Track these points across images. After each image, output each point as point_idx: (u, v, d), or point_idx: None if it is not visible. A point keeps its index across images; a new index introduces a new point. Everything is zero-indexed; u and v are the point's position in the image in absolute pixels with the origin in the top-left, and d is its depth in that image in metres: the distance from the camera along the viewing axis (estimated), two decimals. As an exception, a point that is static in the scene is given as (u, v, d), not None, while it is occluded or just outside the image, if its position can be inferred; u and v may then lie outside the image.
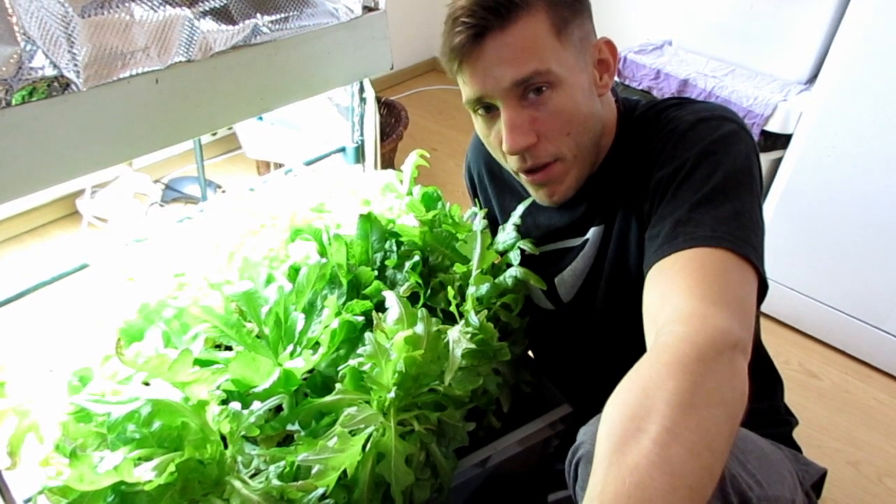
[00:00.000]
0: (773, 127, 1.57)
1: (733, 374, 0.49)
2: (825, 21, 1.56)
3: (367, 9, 1.01)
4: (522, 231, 0.87)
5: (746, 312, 0.55)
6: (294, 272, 0.84)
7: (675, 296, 0.56)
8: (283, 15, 0.88)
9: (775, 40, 1.66)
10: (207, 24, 0.80)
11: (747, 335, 0.53)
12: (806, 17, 1.58)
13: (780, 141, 1.58)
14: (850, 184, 1.40)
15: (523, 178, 0.76)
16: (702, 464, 0.43)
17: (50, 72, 0.68)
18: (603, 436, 0.47)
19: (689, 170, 0.65)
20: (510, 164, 0.74)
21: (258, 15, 0.86)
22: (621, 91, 1.86)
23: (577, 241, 0.82)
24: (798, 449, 0.84)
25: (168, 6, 0.76)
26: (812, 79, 1.62)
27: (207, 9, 0.80)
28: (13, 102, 0.67)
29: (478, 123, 0.75)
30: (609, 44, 0.73)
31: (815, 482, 0.79)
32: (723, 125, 0.67)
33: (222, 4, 0.81)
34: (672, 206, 0.65)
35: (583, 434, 0.64)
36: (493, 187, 0.93)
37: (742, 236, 0.60)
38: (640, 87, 1.82)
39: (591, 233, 0.80)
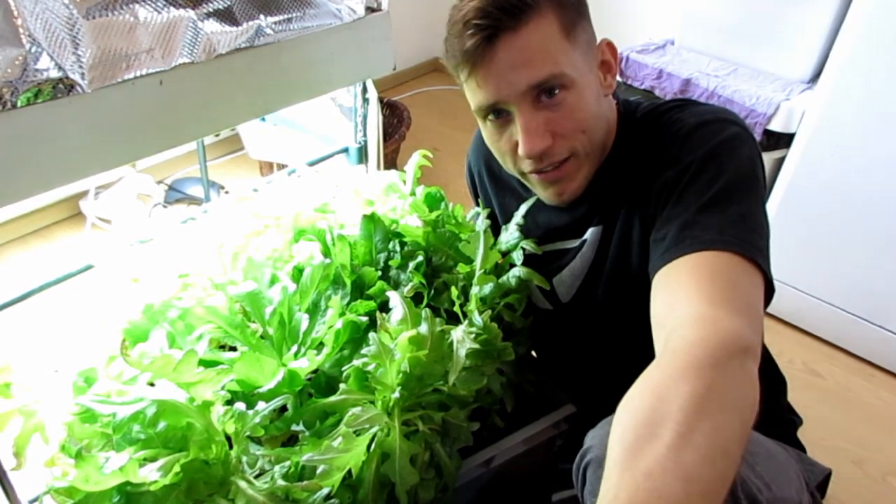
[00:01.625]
0: (776, 126, 1.57)
1: (745, 379, 0.49)
2: (828, 19, 1.55)
3: (369, 9, 1.01)
4: (523, 230, 0.87)
5: (756, 316, 0.55)
6: (298, 273, 0.84)
7: (685, 300, 0.56)
8: (286, 16, 0.88)
9: (778, 39, 1.65)
10: (211, 26, 0.80)
11: (757, 339, 0.53)
12: (808, 16, 1.58)
13: (782, 140, 1.58)
14: (853, 182, 1.40)
15: (533, 178, 0.75)
16: (716, 469, 0.43)
17: (55, 73, 0.68)
18: (615, 441, 0.47)
19: (693, 173, 0.65)
20: (523, 166, 0.74)
21: (261, 16, 0.86)
22: (623, 91, 1.86)
23: (575, 243, 0.82)
24: (802, 449, 0.84)
25: (172, 8, 0.76)
26: (815, 78, 1.62)
27: (211, 10, 0.80)
28: (18, 104, 0.67)
29: (487, 130, 0.75)
30: (610, 45, 0.74)
31: (820, 482, 0.79)
32: (726, 128, 0.67)
33: (226, 6, 0.81)
34: (677, 209, 0.65)
35: (591, 438, 0.64)
36: (493, 186, 0.93)
37: (749, 239, 0.60)
38: (643, 87, 1.82)
39: (590, 233, 0.80)
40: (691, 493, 0.41)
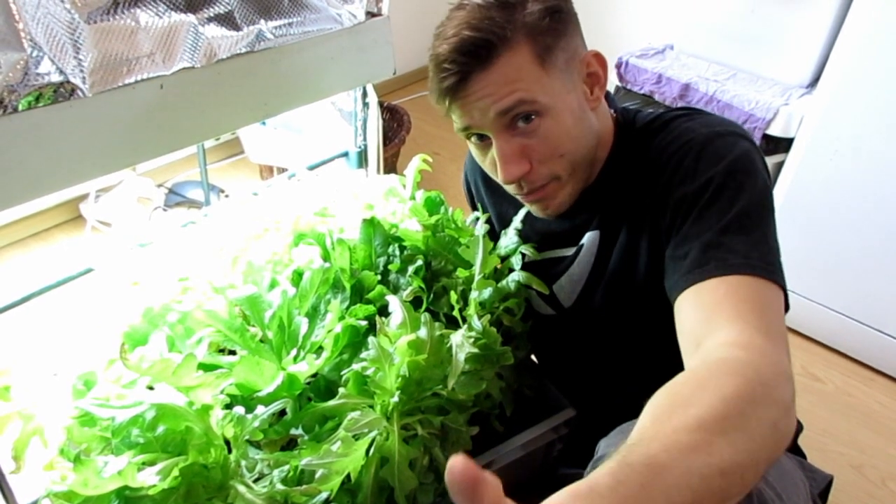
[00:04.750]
0: (775, 131, 1.58)
1: (787, 412, 0.48)
2: (826, 24, 1.56)
3: (370, 14, 1.01)
4: (522, 236, 0.87)
5: (786, 342, 0.56)
6: (297, 276, 0.84)
7: (727, 323, 0.55)
8: (286, 21, 0.89)
9: (777, 44, 1.66)
10: (212, 31, 0.81)
11: (792, 373, 0.53)
12: (807, 21, 1.58)
13: (781, 145, 1.59)
14: (852, 187, 1.40)
15: (519, 196, 0.77)
16: (722, 483, 0.41)
17: (56, 77, 0.68)
18: (645, 414, 0.46)
19: (714, 190, 0.65)
20: (506, 188, 0.76)
21: (262, 21, 0.86)
22: (623, 95, 1.87)
23: (572, 250, 0.82)
24: (803, 456, 0.84)
25: (173, 12, 0.76)
26: (814, 82, 1.62)
27: (212, 15, 0.80)
28: (19, 108, 0.67)
29: (472, 149, 0.77)
30: (598, 56, 0.72)
31: (822, 490, 0.78)
32: (738, 142, 0.68)
33: (227, 11, 0.81)
34: (698, 227, 0.64)
35: (605, 446, 0.64)
36: (490, 195, 0.94)
37: (772, 261, 0.61)
38: (642, 92, 1.82)
39: (586, 238, 0.80)
40: (682, 486, 0.39)
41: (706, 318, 0.58)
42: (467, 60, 0.66)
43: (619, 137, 0.77)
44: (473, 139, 0.73)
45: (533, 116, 0.68)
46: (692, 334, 0.59)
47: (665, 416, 0.44)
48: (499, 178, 0.72)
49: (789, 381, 0.50)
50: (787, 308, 0.62)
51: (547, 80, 0.67)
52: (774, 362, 0.51)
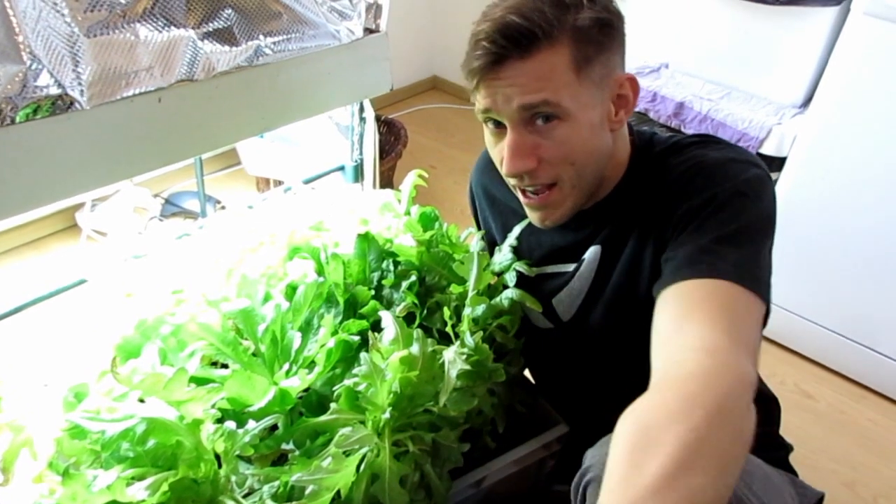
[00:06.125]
0: (768, 150, 1.59)
1: (748, 418, 0.50)
2: (819, 45, 1.58)
3: (368, 30, 1.02)
4: (524, 249, 0.87)
5: (757, 352, 0.57)
6: (291, 290, 0.84)
7: (698, 324, 0.57)
8: (285, 36, 0.90)
9: (770, 64, 1.68)
10: (210, 45, 0.81)
11: (756, 376, 0.54)
12: (801, 41, 1.60)
13: (774, 164, 1.60)
14: (845, 206, 1.42)
15: (521, 198, 0.77)
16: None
17: (54, 90, 0.69)
18: (608, 469, 0.48)
19: (717, 205, 0.66)
20: (508, 180, 0.76)
21: (261, 36, 0.87)
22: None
23: (573, 266, 0.83)
24: (794, 473, 0.84)
25: (172, 27, 0.77)
26: (806, 102, 1.64)
27: (211, 30, 0.81)
28: (17, 120, 0.67)
29: (487, 133, 0.76)
30: (632, 80, 0.72)
31: (813, 506, 0.78)
32: (750, 168, 0.69)
33: (225, 26, 0.82)
34: (695, 235, 0.65)
35: (590, 458, 0.64)
36: (493, 210, 0.94)
37: (759, 276, 0.62)
38: (637, 110, 1.84)
39: (588, 253, 0.80)
40: None
41: (681, 315, 0.60)
42: (506, 44, 0.65)
43: (635, 160, 0.77)
44: (490, 125, 0.73)
45: (552, 118, 0.68)
46: (661, 333, 0.60)
47: (639, 456, 0.46)
48: (502, 169, 0.73)
49: (751, 388, 0.51)
50: (764, 323, 0.63)
51: (577, 89, 0.68)
52: (739, 371, 0.52)
